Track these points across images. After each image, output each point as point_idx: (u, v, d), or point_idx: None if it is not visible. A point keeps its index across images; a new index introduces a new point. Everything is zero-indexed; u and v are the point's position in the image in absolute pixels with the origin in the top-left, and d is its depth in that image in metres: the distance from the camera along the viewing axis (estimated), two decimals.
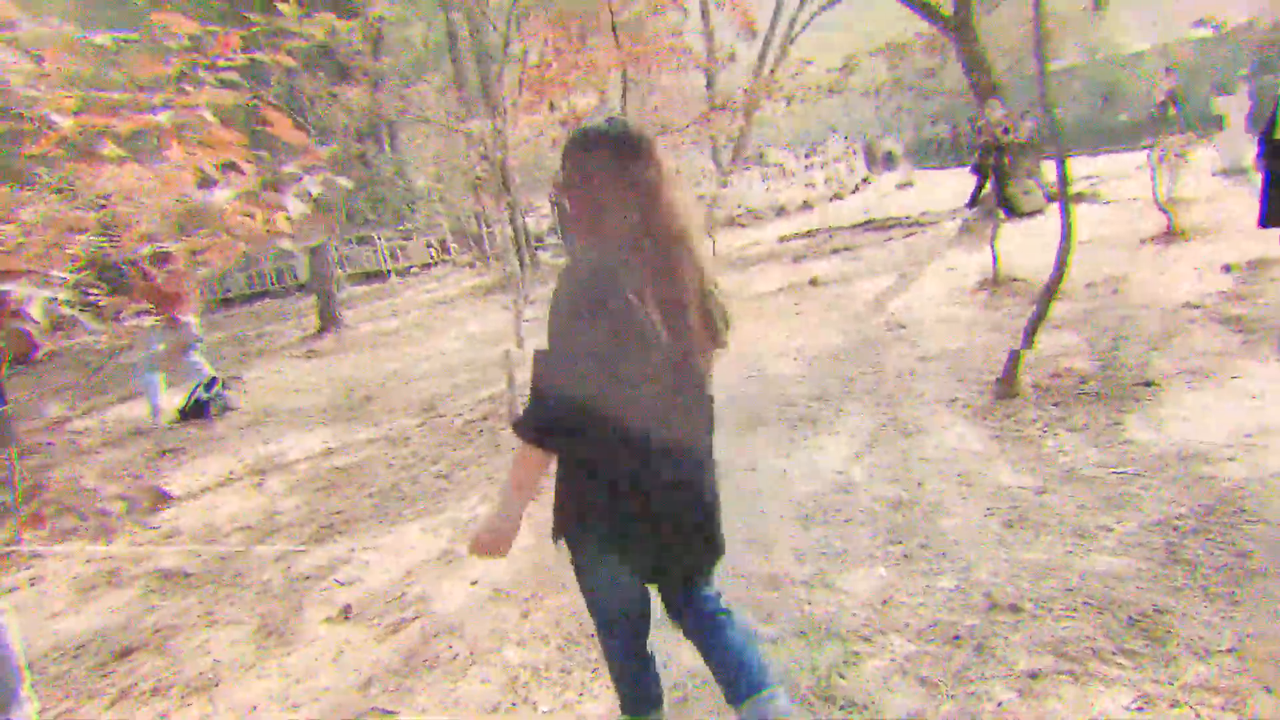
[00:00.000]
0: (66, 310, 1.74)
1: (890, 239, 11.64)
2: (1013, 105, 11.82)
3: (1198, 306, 5.70)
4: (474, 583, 3.60)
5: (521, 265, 5.70)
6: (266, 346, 11.58)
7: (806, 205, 18.40)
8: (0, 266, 1.56)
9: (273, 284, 18.24)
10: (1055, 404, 4.46)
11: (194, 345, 7.40)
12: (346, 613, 3.52)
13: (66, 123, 2.16)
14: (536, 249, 16.88)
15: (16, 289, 1.51)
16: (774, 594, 3.13)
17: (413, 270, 18.61)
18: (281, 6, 3.76)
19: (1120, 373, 4.74)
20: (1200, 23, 20.72)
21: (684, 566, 2.12)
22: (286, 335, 12.45)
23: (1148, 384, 4.50)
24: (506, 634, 3.16)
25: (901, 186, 19.68)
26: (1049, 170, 12.46)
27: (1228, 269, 6.49)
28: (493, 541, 1.92)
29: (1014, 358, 4.67)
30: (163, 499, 1.93)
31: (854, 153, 22.45)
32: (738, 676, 2.06)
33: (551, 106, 8.21)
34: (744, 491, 4.03)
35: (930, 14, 11.94)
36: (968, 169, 13.34)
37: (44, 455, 6.48)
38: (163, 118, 2.32)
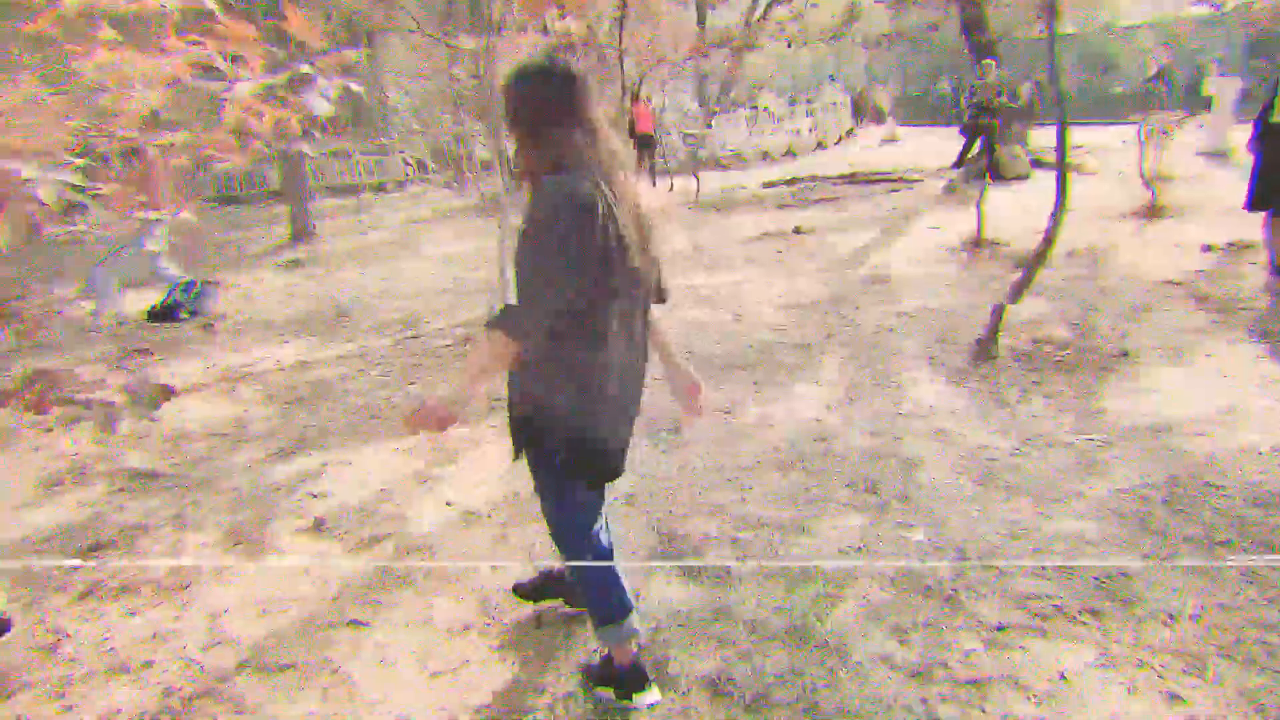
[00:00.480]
0: (74, 196, 1.66)
1: (874, 193, 11.60)
2: (1007, 68, 11.73)
3: (1176, 284, 5.78)
4: (449, 504, 3.61)
5: (505, 189, 5.58)
6: (236, 255, 11.31)
7: (790, 153, 18.24)
8: (16, 148, 1.48)
9: (242, 189, 17.76)
10: (1032, 369, 4.52)
11: (155, 243, 7.20)
12: (319, 525, 3.51)
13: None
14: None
15: (26, 169, 1.43)
16: (750, 534, 3.17)
17: (387, 187, 18.20)
18: None
19: (1097, 343, 4.81)
20: (1200, 0, 20.61)
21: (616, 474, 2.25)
22: (256, 243, 12.17)
23: (1123, 355, 4.58)
24: (479, 556, 3.17)
25: (886, 141, 19.55)
26: (1035, 137, 12.51)
27: (1207, 249, 6.58)
28: (438, 417, 1.95)
29: (997, 317, 4.71)
30: (167, 394, 1.88)
31: (841, 104, 22.20)
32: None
33: (545, 28, 7.96)
34: (722, 433, 4.05)
35: None
36: (956, 129, 13.27)
37: (35, 341, 6.30)
38: (170, 1, 2.21)
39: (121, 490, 4.00)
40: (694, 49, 8.37)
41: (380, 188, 18.13)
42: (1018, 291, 4.82)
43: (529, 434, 2.12)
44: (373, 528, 3.45)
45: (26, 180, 1.46)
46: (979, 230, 7.68)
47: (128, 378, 1.73)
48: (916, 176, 12.50)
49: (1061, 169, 4.74)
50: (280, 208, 13.56)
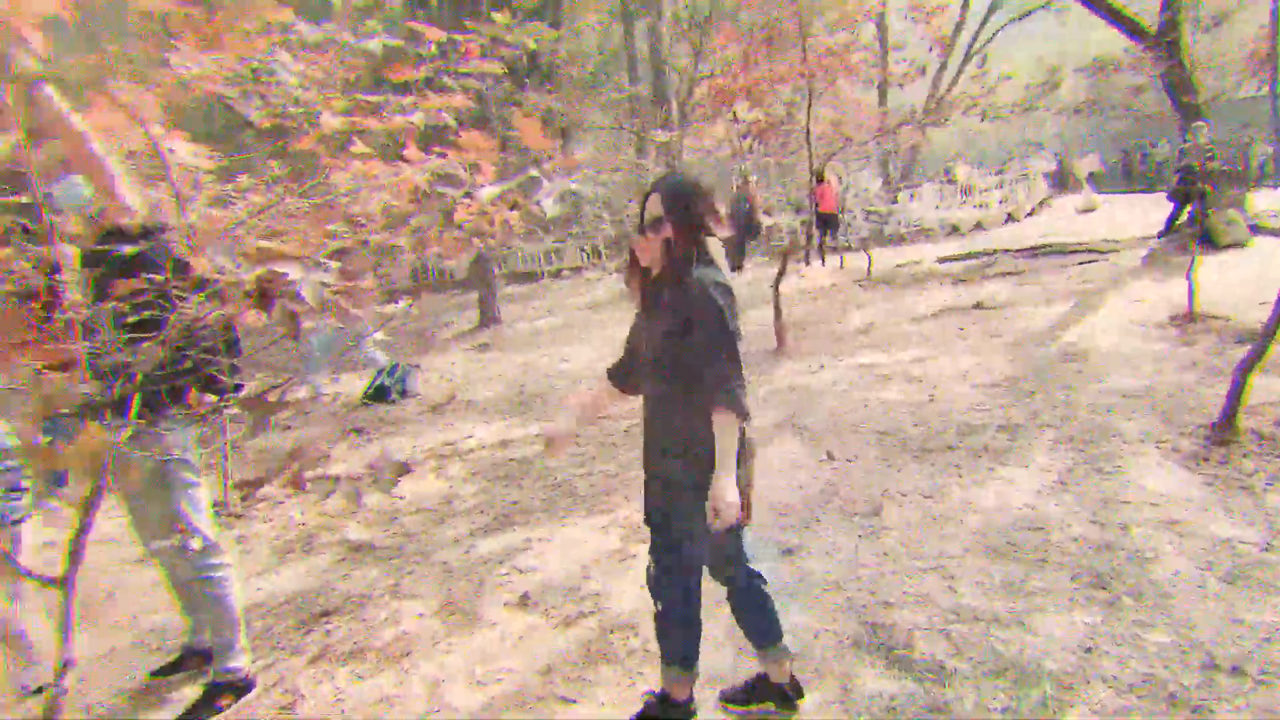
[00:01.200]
0: (328, 294, 1.86)
1: (1065, 265, 11.01)
2: (1220, 130, 11.00)
3: None
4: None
5: None
6: (433, 338, 12.15)
7: (979, 226, 17.68)
8: (280, 251, 1.69)
9: (434, 278, 19.12)
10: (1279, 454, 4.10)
11: (366, 335, 7.87)
12: (525, 600, 3.63)
13: (336, 122, 2.32)
14: None
15: (293, 272, 1.62)
16: (963, 627, 3.01)
17: (564, 274, 19.05)
18: (495, 16, 3.95)
19: None
20: None
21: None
22: (448, 329, 13.02)
23: None
24: None
25: (1083, 211, 18.61)
26: (1254, 201, 11.54)
27: None
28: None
29: (1236, 394, 4.32)
30: (404, 471, 2.05)
31: (1034, 173, 21.39)
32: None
33: (735, 117, 8.24)
34: (923, 518, 3.90)
35: (1135, 31, 11.26)
36: (1164, 195, 12.47)
37: (284, 424, 6.99)
38: (416, 119, 2.47)
39: (344, 560, 4.32)
40: (878, 129, 8.39)
41: (558, 274, 18.99)
42: (1250, 366, 4.41)
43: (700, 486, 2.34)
44: (576, 604, 3.53)
45: (292, 281, 1.65)
46: (1191, 302, 7.12)
47: (371, 457, 1.89)
48: (1113, 247, 11.78)
49: None
50: (466, 295, 14.47)
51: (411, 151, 2.64)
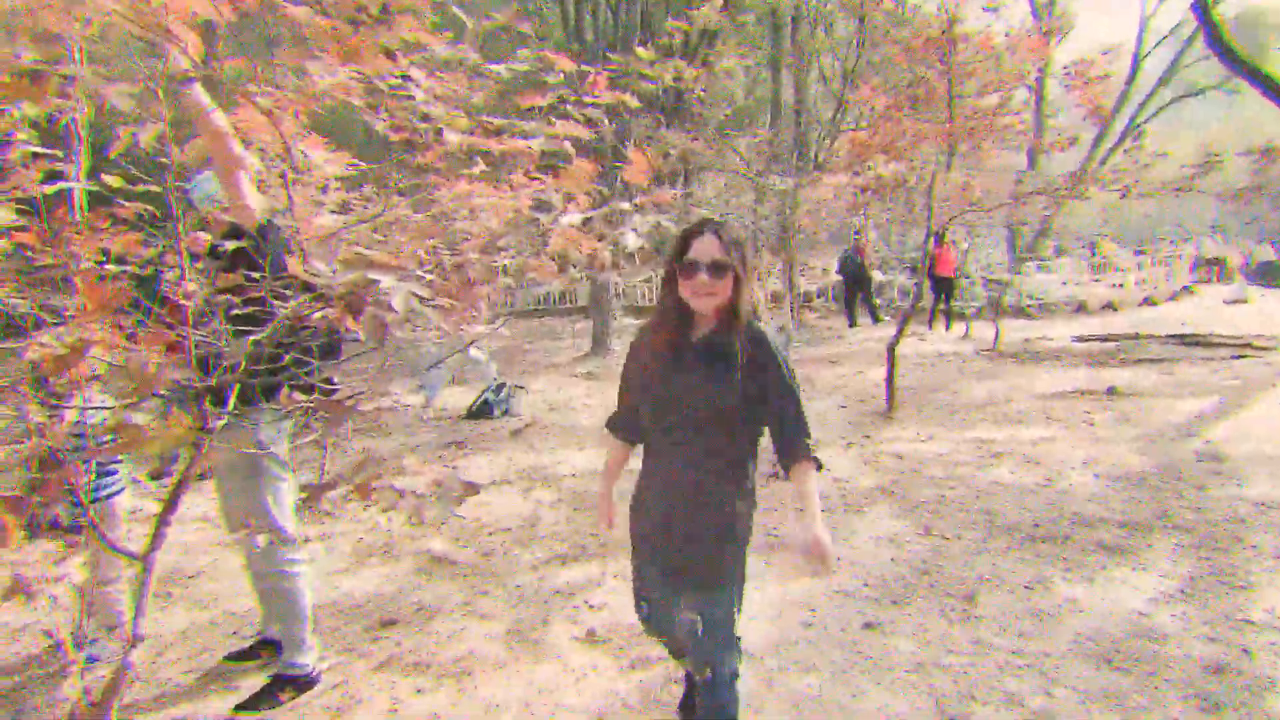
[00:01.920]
0: (418, 305, 1.88)
1: (1213, 358, 10.26)
2: None
3: None
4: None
5: (792, 320, 5.68)
6: (542, 361, 12.36)
7: (1111, 306, 16.78)
8: (375, 259, 1.71)
9: (554, 304, 19.56)
10: None
11: (478, 351, 8.09)
12: (591, 635, 3.58)
13: (455, 139, 2.37)
14: (805, 306, 16.75)
15: (385, 280, 1.64)
16: None
17: None
18: (638, 51, 4.00)
19: None
20: None
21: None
22: (561, 353, 13.22)
23: None
24: (749, 699, 3.04)
25: (1232, 303, 17.41)
26: None
27: None
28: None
29: None
30: (472, 491, 2.04)
31: (1180, 257, 20.23)
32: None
33: (856, 171, 8.10)
34: (1022, 611, 3.64)
35: None
36: None
37: (368, 435, 7.23)
38: (534, 144, 2.51)
39: (420, 570, 4.37)
40: (1009, 195, 8.08)
41: None
42: None
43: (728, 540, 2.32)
44: (643, 647, 3.44)
45: (383, 289, 1.67)
46: None
47: (440, 472, 1.88)
48: (1269, 344, 10.91)
49: None
50: (584, 323, 14.69)
51: (518, 177, 2.69)
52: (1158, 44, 26.00)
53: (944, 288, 14.63)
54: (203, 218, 3.11)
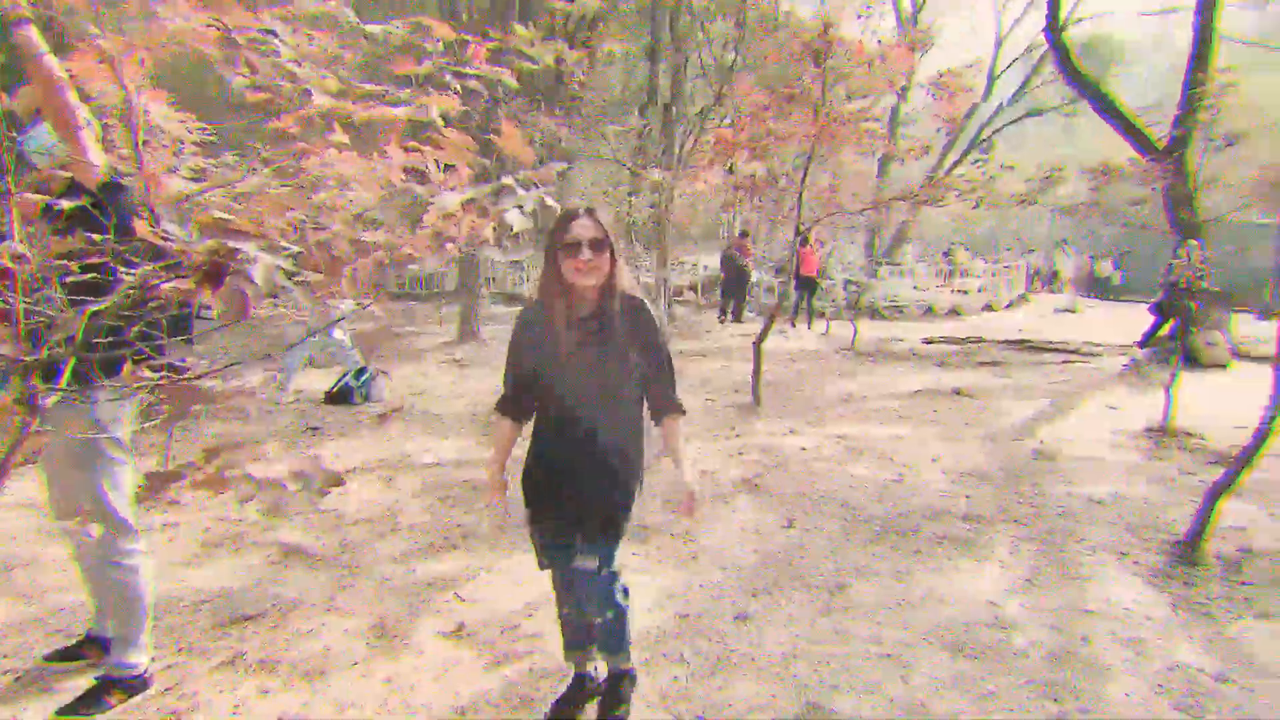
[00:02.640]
0: (283, 279, 1.73)
1: (1045, 363, 11.08)
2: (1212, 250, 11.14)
3: None
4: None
5: (664, 313, 5.71)
6: (407, 346, 11.94)
7: (956, 312, 17.85)
8: (240, 228, 1.56)
9: (422, 288, 18.97)
10: (1244, 582, 4.01)
11: (341, 333, 7.72)
12: (460, 630, 3.45)
13: (324, 101, 2.20)
14: (674, 302, 16.94)
15: (247, 248, 1.49)
16: None
17: None
18: (518, 29, 3.86)
19: None
20: None
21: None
22: (426, 338, 12.82)
23: None
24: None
25: (1063, 311, 18.85)
26: (1236, 324, 11.68)
27: None
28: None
29: (1204, 517, 4.27)
30: (336, 481, 1.89)
31: (1016, 268, 21.72)
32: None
33: (732, 169, 8.21)
34: (886, 600, 3.77)
35: (1143, 143, 11.45)
36: (1147, 307, 12.64)
37: (220, 419, 6.73)
38: (400, 112, 2.36)
39: (276, 564, 4.11)
40: (873, 200, 8.40)
41: None
42: (1221, 490, 4.36)
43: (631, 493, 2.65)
44: (511, 643, 3.36)
45: (245, 259, 1.52)
46: (1167, 417, 7.12)
47: (301, 462, 1.73)
48: (1096, 351, 11.88)
49: None
50: (451, 308, 14.31)
51: (393, 149, 2.53)
52: (1010, 64, 27.70)
53: (807, 287, 15.16)
54: (37, 174, 2.79)
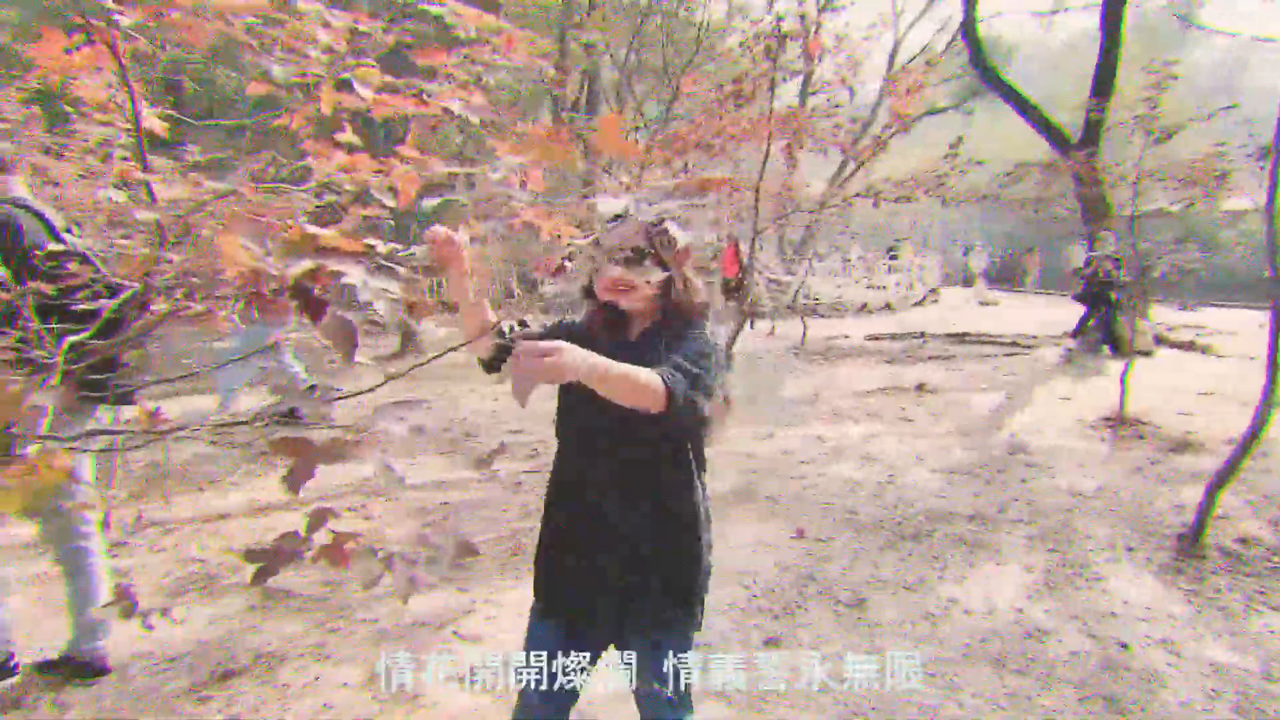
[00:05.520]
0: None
1: (988, 356, 11.26)
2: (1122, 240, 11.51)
3: None
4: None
5: None
6: (345, 362, 11.36)
7: (888, 307, 18.13)
8: (339, 246, 1.27)
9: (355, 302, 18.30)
10: (1250, 574, 4.02)
11: (284, 346, 7.23)
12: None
13: (369, 94, 1.91)
14: None
15: (352, 271, 1.23)
16: None
17: None
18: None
19: None
20: None
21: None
22: (365, 351, 12.23)
23: None
24: None
25: (984, 304, 19.35)
26: (1156, 314, 12.11)
27: None
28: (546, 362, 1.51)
29: (1205, 510, 4.28)
30: (471, 552, 1.55)
31: (927, 264, 22.25)
32: None
33: (686, 167, 8.03)
34: (912, 613, 3.63)
35: (1057, 140, 11.77)
36: (1070, 297, 13.03)
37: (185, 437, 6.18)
38: (437, 107, 2.09)
39: (254, 609, 3.73)
40: (780, 203, 8.35)
41: None
42: (1221, 483, 4.39)
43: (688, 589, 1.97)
44: None
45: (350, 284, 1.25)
46: (1121, 406, 7.25)
47: (433, 532, 1.40)
48: (1032, 343, 12.15)
49: (1275, 352, 4.36)
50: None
51: (409, 150, 2.25)
52: (909, 62, 28.28)
53: (734, 289, 15.14)
54: None
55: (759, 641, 3.40)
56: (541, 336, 1.87)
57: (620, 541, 1.91)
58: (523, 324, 2.00)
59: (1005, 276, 28.66)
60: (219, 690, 3.08)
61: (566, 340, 1.60)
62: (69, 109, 2.56)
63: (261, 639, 3.43)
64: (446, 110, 2.10)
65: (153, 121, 2.10)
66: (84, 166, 3.34)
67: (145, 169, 1.66)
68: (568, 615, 2.01)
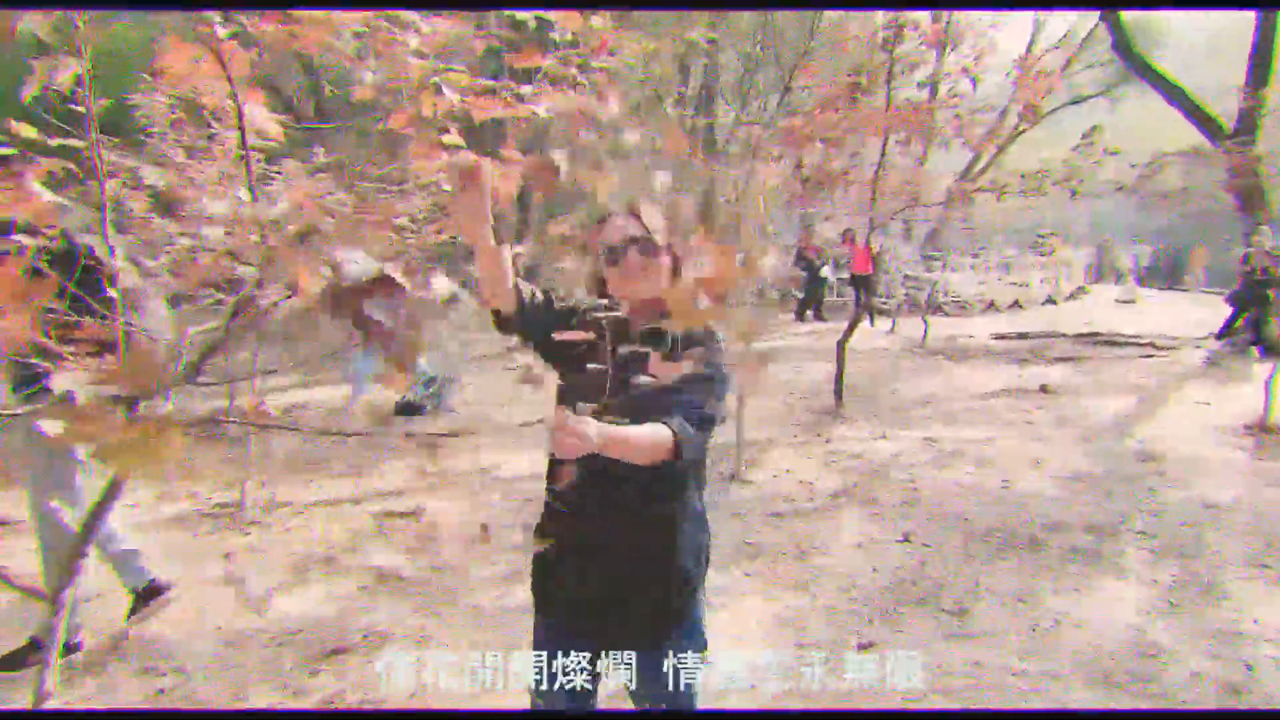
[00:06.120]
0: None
1: (1124, 358, 10.62)
2: None
3: None
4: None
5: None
6: (471, 353, 11.74)
7: (1017, 305, 17.34)
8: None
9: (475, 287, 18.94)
10: None
11: None
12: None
13: (455, 98, 1.99)
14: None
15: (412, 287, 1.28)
16: None
17: None
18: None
19: None
20: None
21: None
22: (486, 344, 12.62)
23: None
24: None
25: (1123, 303, 18.25)
26: None
27: None
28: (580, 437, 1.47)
29: None
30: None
31: (1074, 259, 21.12)
32: None
33: (800, 164, 7.92)
34: (1018, 625, 3.49)
35: (1211, 129, 10.97)
36: (1223, 298, 12.14)
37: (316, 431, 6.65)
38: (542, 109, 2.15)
39: (367, 589, 3.95)
40: (954, 193, 8.04)
41: None
42: None
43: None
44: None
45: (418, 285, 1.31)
46: (1267, 413, 6.72)
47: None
48: (1172, 345, 11.39)
49: None
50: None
51: (510, 151, 2.32)
52: (1047, 51, 26.80)
53: (862, 284, 14.77)
54: None
55: (854, 645, 3.35)
56: (556, 314, 1.90)
57: (606, 554, 1.89)
58: (609, 305, 1.87)
59: (1165, 274, 26.95)
60: (327, 665, 3.27)
61: (571, 329, 1.68)
62: (210, 117, 2.77)
63: (372, 618, 3.63)
64: (536, 112, 2.18)
65: (269, 126, 2.26)
66: (221, 169, 3.61)
67: (249, 172, 1.77)
68: (567, 625, 2.01)
